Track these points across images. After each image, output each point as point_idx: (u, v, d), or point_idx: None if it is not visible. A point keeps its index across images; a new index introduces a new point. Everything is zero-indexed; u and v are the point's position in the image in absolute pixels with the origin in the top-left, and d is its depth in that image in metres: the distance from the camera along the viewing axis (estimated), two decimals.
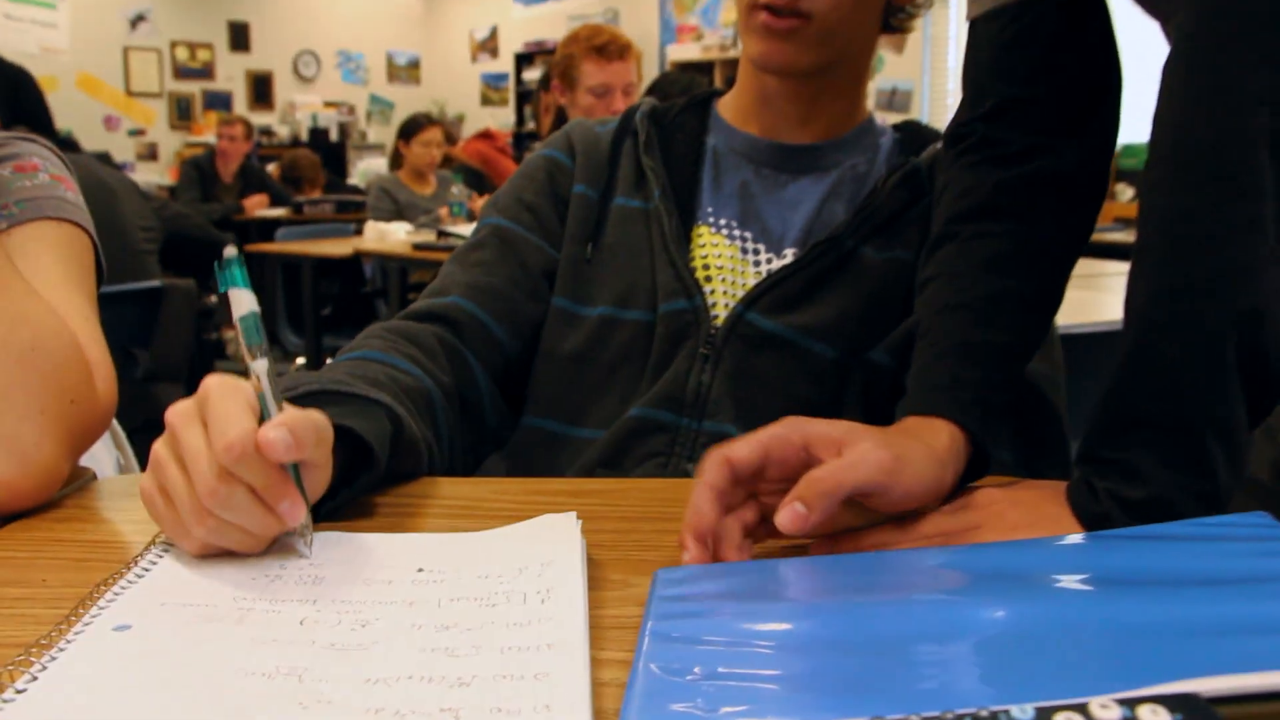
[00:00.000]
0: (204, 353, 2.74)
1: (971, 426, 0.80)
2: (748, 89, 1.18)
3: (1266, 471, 1.00)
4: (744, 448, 0.71)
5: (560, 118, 3.59)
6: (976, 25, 0.94)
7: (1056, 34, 0.90)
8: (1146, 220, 0.71)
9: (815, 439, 0.71)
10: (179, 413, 0.68)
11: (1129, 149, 6.27)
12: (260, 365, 0.67)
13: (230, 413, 0.65)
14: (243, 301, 0.67)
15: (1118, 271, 2.91)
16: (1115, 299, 0.73)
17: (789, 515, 0.66)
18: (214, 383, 0.68)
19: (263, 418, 0.66)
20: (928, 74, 7.29)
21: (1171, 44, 0.70)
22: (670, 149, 1.18)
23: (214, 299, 4.73)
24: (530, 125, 9.09)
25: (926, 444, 0.76)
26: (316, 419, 0.68)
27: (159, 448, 0.68)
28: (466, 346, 1.08)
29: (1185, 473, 0.67)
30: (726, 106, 1.21)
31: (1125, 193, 6.34)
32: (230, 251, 0.67)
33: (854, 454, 0.69)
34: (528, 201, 1.17)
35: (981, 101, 0.93)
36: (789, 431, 0.72)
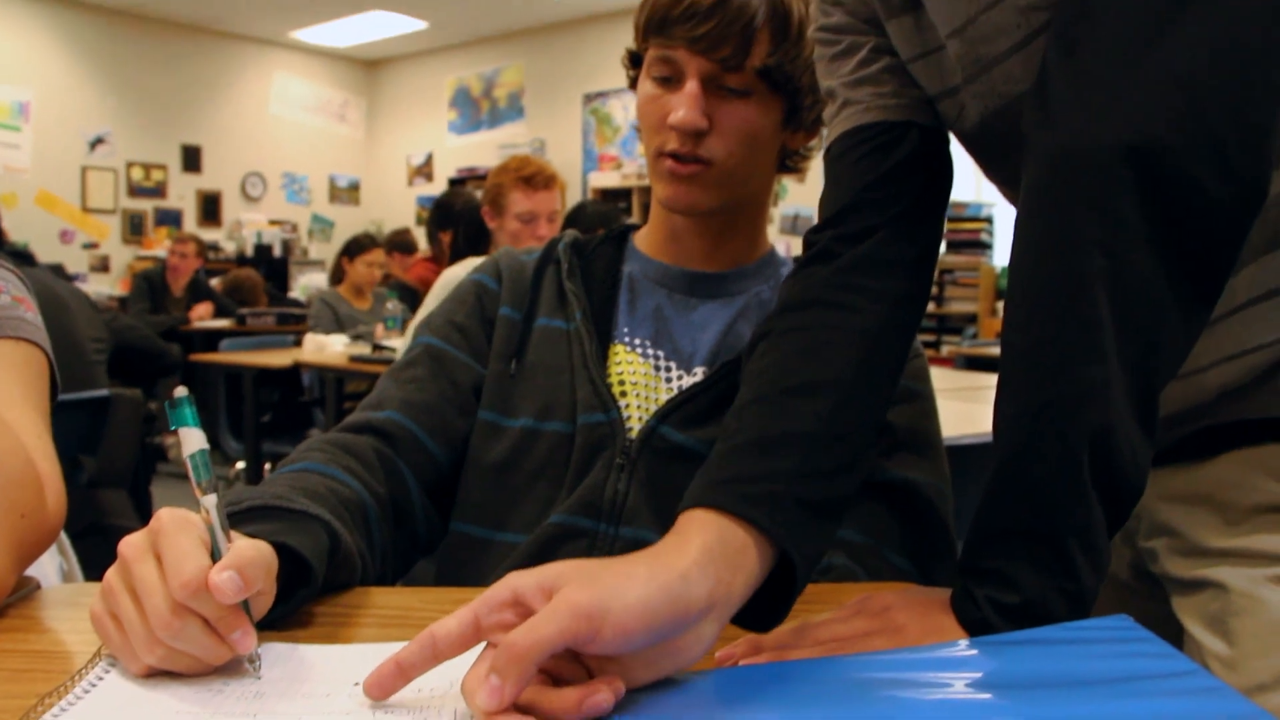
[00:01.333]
0: (147, 458, 2.69)
1: (753, 516, 0.71)
2: (659, 225, 1.21)
3: (1126, 571, 1.02)
4: (451, 621, 0.62)
5: (457, 249, 3.68)
6: (837, 144, 0.98)
7: (911, 154, 0.94)
8: (1006, 352, 0.74)
9: (525, 591, 0.61)
10: (132, 545, 0.67)
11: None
12: (210, 500, 0.66)
13: (184, 549, 0.65)
14: (192, 440, 0.67)
15: None
16: None
17: (485, 692, 0.56)
18: (166, 517, 0.67)
19: (213, 551, 0.66)
20: None
21: (1019, 203, 0.75)
22: (590, 275, 1.20)
23: (153, 405, 4.64)
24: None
25: (662, 561, 0.65)
26: (264, 553, 0.68)
27: (111, 577, 0.67)
28: (401, 459, 1.08)
29: (1054, 577, 0.69)
30: (642, 239, 1.24)
31: None
32: (180, 391, 0.67)
33: (551, 604, 0.59)
34: (458, 322, 1.18)
35: (832, 210, 0.95)
36: (498, 589, 0.62)
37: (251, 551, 0.67)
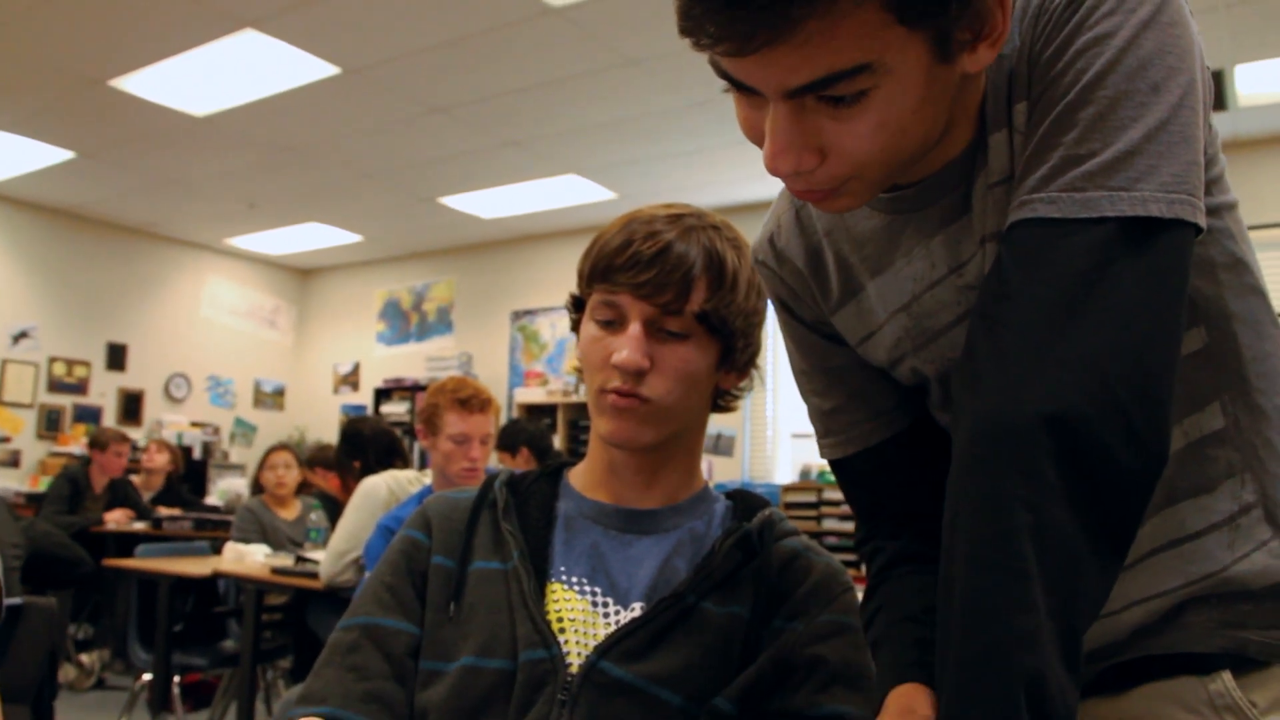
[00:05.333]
0: (53, 673, 2.56)
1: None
2: (598, 461, 1.25)
3: None
4: None
5: (370, 471, 3.77)
6: (838, 470, 1.09)
7: (908, 462, 1.05)
8: (944, 601, 0.78)
9: None
10: None
11: None
12: None
13: None
14: None
15: None
16: None
17: None
18: None
19: None
20: (749, 423, 7.62)
21: (953, 463, 0.81)
22: (526, 514, 1.23)
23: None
24: None
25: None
26: None
27: None
28: None
29: None
30: (577, 476, 1.28)
31: None
32: None
33: None
34: (387, 583, 1.21)
35: (873, 519, 1.08)
36: None
37: None
